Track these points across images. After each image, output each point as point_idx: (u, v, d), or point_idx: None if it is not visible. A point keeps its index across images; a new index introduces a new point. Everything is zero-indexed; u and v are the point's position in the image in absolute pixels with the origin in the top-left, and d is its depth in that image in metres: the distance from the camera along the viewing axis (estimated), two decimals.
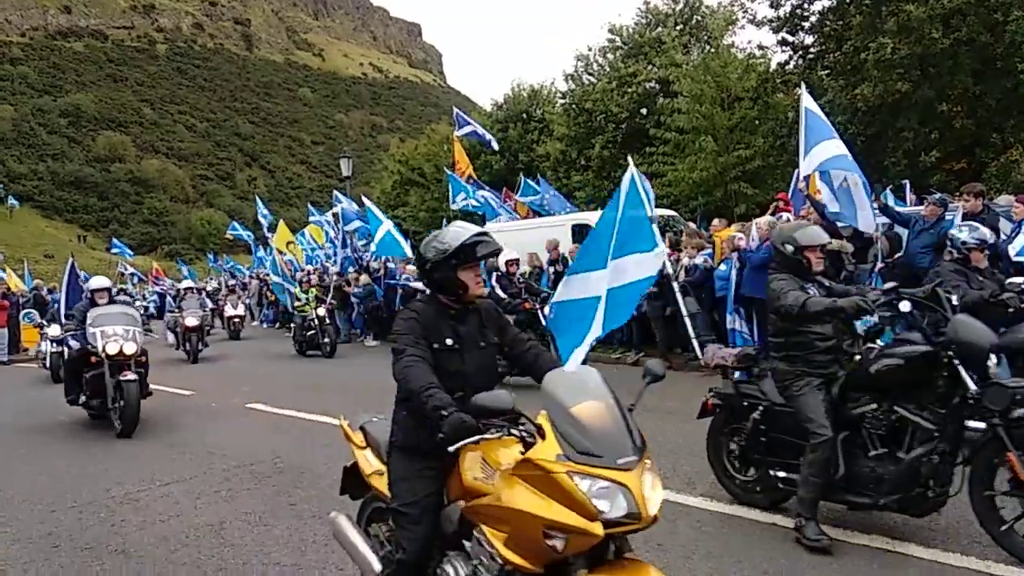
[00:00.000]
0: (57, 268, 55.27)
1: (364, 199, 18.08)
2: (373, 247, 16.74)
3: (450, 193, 17.93)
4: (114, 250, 44.22)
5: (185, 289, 18.90)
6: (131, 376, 8.16)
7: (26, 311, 19.45)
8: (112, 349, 8.26)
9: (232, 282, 30.74)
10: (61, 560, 4.80)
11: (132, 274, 39.79)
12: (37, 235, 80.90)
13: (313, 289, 16.05)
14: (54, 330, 12.93)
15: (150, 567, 4.59)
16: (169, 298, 21.56)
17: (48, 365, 13.91)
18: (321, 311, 15.22)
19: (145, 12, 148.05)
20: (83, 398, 8.82)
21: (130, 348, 8.35)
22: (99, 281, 9.48)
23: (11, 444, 8.45)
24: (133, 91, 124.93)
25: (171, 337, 17.95)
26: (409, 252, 16.49)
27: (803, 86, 9.97)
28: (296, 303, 16.10)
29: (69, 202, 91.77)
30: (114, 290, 10.87)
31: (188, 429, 8.64)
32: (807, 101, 9.10)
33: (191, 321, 15.54)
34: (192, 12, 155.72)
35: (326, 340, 14.97)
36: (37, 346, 16.35)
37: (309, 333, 15.26)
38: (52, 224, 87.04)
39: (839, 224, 8.88)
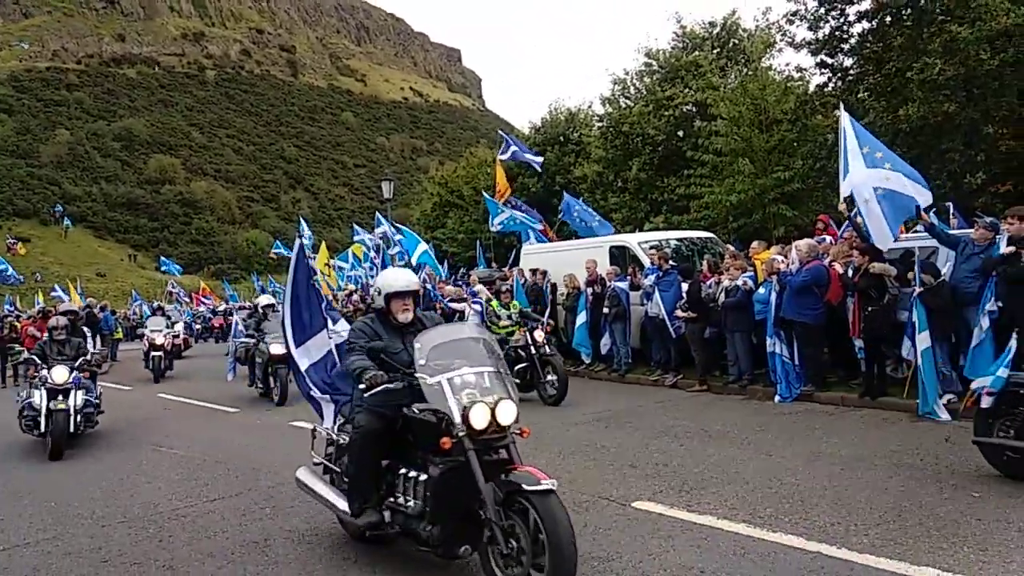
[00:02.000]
0: (109, 287, 56.86)
1: (399, 226, 18.70)
2: (413, 261, 17.37)
3: (489, 216, 18.24)
4: (163, 268, 45.44)
5: (265, 307, 14.36)
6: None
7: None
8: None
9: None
10: (110, 574, 4.96)
11: (177, 292, 40.80)
12: (90, 254, 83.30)
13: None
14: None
15: None
16: (238, 320, 16.51)
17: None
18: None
19: (195, 40, 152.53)
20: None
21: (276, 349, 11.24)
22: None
23: (65, 459, 8.72)
24: (183, 115, 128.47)
25: (233, 370, 14.25)
26: (443, 272, 17.27)
27: (841, 107, 9.95)
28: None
29: (121, 223, 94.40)
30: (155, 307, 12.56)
31: (234, 446, 8.85)
32: (845, 121, 9.09)
33: (276, 349, 11.45)
34: (240, 39, 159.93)
35: None
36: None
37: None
38: (104, 244, 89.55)
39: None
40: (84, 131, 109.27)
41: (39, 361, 9.49)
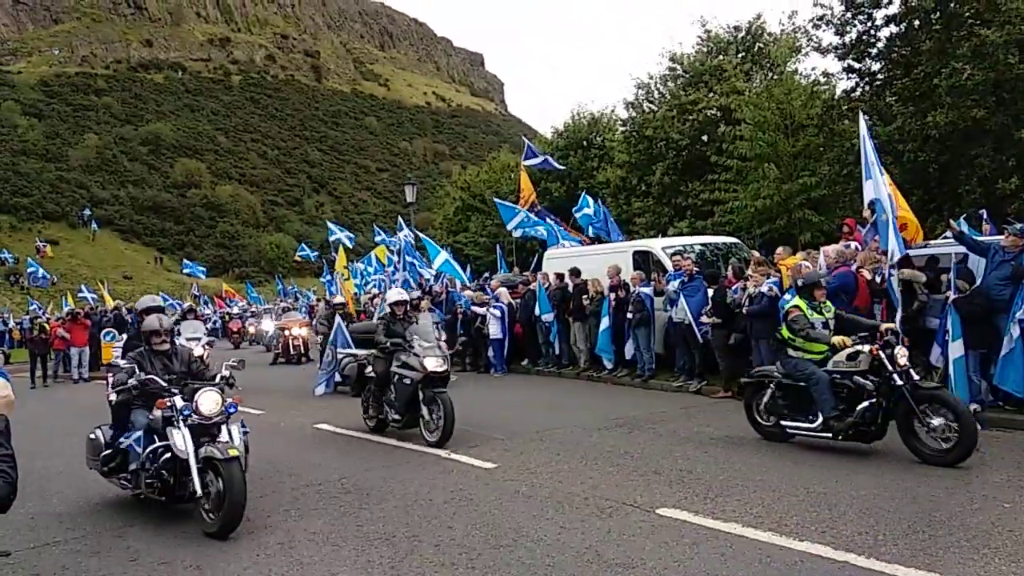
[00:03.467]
0: (135, 289, 57.52)
1: (419, 234, 18.84)
2: (434, 269, 17.54)
3: (503, 219, 18.41)
4: (185, 270, 46.00)
5: (335, 306, 14.00)
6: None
7: (106, 330, 20.33)
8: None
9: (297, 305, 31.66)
10: (138, 573, 5.01)
11: (201, 296, 41.18)
12: (117, 257, 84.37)
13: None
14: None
15: None
16: (340, 323, 12.67)
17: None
18: None
19: (221, 45, 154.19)
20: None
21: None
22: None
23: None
24: (209, 120, 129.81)
25: (327, 383, 11.96)
26: (466, 278, 17.45)
27: (860, 114, 9.90)
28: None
29: (147, 226, 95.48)
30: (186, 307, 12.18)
31: (259, 448, 8.89)
32: (864, 130, 9.07)
33: (434, 364, 9.41)
34: (265, 45, 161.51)
35: None
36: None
37: None
38: (131, 247, 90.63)
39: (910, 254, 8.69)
40: (112, 135, 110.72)
41: (142, 379, 6.19)
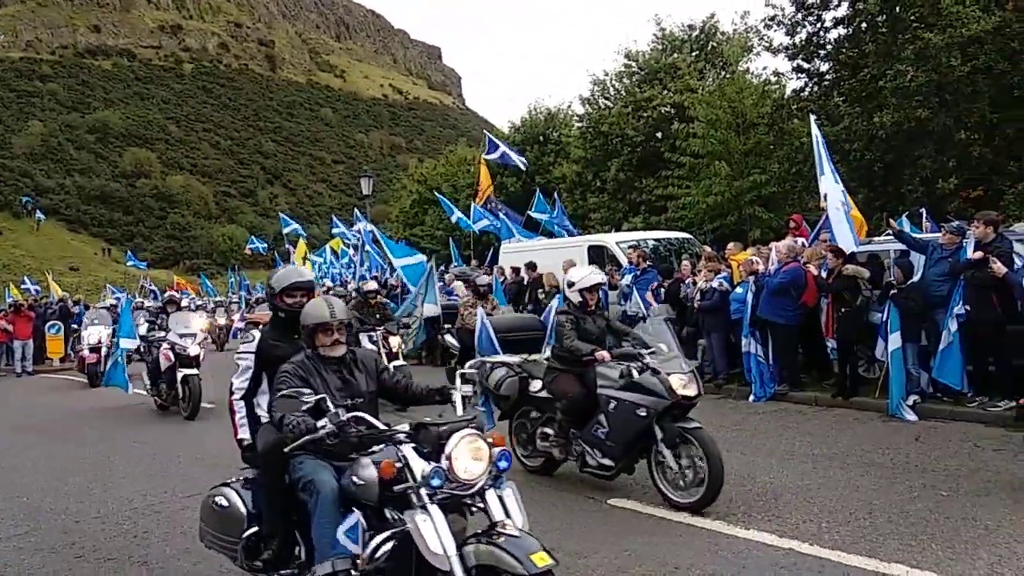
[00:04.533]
0: (82, 281, 56.09)
1: (375, 231, 18.55)
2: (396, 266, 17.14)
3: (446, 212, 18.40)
4: (129, 262, 45.07)
5: (368, 292, 11.73)
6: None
7: (51, 323, 19.79)
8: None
9: (248, 297, 31.02)
10: (84, 570, 4.92)
11: (151, 289, 40.22)
12: (62, 248, 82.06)
13: None
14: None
15: None
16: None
17: None
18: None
19: (172, 32, 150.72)
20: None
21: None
22: None
23: (37, 455, 8.63)
24: (159, 109, 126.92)
25: None
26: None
27: (811, 116, 10.19)
28: None
29: (95, 216, 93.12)
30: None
31: (209, 440, 8.78)
32: (815, 130, 9.35)
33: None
34: (218, 33, 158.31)
35: None
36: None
37: None
38: (78, 237, 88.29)
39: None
40: (58, 123, 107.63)
41: (343, 421, 3.58)
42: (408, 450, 3.29)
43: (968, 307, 7.62)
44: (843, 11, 14.88)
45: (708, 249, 12.22)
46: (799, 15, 15.33)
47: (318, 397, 3.46)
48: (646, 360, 5.61)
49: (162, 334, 11.53)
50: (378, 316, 11.23)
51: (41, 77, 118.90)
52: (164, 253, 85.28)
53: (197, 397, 10.58)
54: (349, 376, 3.81)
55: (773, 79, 18.97)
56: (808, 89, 15.96)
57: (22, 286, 35.22)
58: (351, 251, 21.83)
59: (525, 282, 14.08)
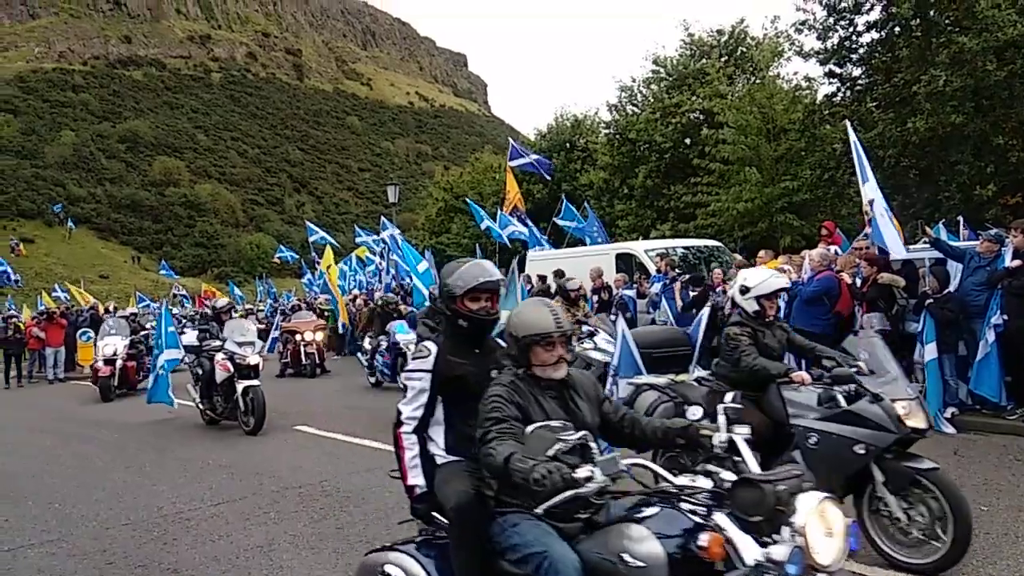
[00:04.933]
0: (112, 288, 56.93)
1: (398, 237, 18.62)
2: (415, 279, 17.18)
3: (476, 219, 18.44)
4: (162, 272, 45.62)
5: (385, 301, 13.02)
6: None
7: (82, 330, 20.05)
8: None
9: (277, 305, 31.21)
10: None
11: (182, 296, 40.73)
12: (93, 256, 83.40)
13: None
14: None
15: None
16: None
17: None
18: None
19: (201, 42, 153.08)
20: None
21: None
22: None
23: (68, 462, 8.71)
24: (188, 118, 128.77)
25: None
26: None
27: (848, 124, 10.03)
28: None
29: (125, 224, 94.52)
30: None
31: (237, 449, 8.81)
32: (853, 135, 9.21)
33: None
34: (246, 42, 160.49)
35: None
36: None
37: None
38: (108, 245, 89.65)
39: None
40: (89, 132, 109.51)
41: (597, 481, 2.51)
42: (724, 520, 2.37)
43: (1006, 317, 7.43)
44: (876, 15, 14.69)
45: (739, 257, 12.08)
46: (831, 19, 15.16)
47: (581, 434, 2.47)
48: (864, 383, 4.53)
49: (216, 343, 10.53)
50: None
51: (73, 87, 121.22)
52: (192, 261, 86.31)
53: (262, 410, 9.71)
54: (572, 405, 2.86)
55: (804, 84, 18.78)
56: (840, 94, 15.77)
57: (53, 294, 35.83)
58: (377, 259, 21.88)
59: (552, 290, 14.02)
